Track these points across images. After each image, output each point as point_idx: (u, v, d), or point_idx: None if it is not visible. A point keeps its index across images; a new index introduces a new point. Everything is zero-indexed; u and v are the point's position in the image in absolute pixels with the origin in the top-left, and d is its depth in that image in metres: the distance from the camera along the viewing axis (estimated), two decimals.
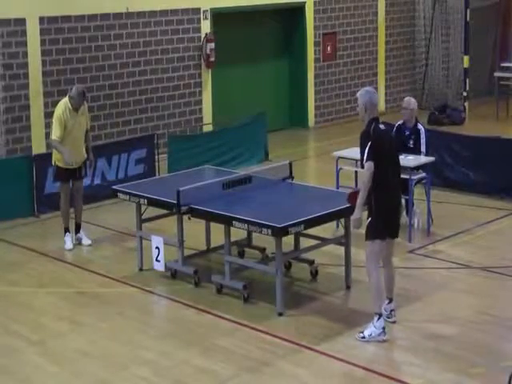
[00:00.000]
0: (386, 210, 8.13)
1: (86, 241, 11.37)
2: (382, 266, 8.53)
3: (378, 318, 8.12)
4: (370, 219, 8.18)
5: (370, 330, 8.14)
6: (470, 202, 12.82)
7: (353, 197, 8.39)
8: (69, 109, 10.89)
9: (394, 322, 8.54)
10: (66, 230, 11.33)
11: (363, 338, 8.14)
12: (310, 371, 7.71)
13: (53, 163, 11.27)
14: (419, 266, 10.36)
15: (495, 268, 10.17)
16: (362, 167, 8.12)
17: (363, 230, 8.31)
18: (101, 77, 15.35)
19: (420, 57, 21.25)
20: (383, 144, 8.13)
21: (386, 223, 8.18)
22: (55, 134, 10.87)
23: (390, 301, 8.58)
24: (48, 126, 14.61)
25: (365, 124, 8.20)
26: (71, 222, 11.43)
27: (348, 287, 9.60)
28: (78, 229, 11.45)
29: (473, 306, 9.12)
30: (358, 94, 8.31)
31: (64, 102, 10.95)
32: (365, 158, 7.99)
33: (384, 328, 8.12)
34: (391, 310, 8.57)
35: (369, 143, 7.99)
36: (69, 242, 11.26)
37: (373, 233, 8.15)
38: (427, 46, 21.01)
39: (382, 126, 8.23)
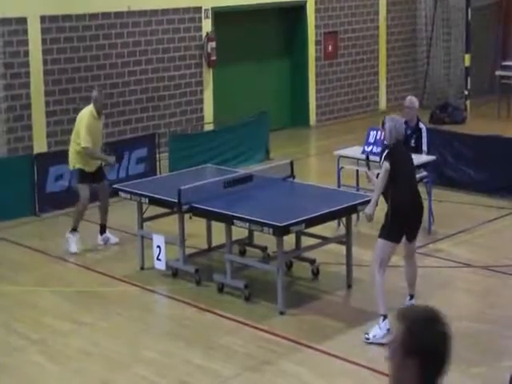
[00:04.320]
0: (401, 216, 8.22)
1: (113, 239, 11.24)
2: (404, 264, 8.64)
3: (383, 319, 8.12)
4: (384, 221, 8.31)
5: (375, 331, 8.13)
6: (471, 200, 12.81)
7: None
8: (93, 116, 10.92)
9: None
10: (75, 230, 11.01)
11: (367, 339, 8.12)
12: (311, 370, 7.72)
13: (72, 167, 11.07)
14: (420, 264, 10.30)
15: (496, 267, 10.17)
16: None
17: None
18: (102, 76, 15.34)
19: (421, 56, 21.22)
20: (399, 153, 8.44)
21: (400, 228, 8.27)
22: (87, 141, 10.76)
23: (411, 297, 8.62)
24: (49, 125, 14.65)
25: (388, 144, 8.57)
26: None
27: (349, 286, 9.60)
28: (103, 229, 11.27)
29: (474, 305, 9.12)
30: (385, 120, 8.64)
31: (89, 111, 10.94)
32: (382, 160, 8.33)
33: (389, 330, 8.05)
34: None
35: (386, 151, 8.36)
36: (74, 244, 10.96)
37: (386, 233, 8.24)
38: (428, 45, 20.99)
39: (403, 148, 8.72)
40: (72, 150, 11.08)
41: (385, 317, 8.13)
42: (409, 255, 8.61)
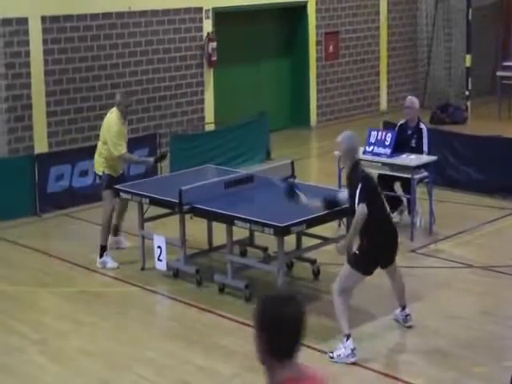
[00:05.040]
0: (372, 248, 7.95)
1: (124, 244, 11.02)
2: (389, 278, 8.45)
3: (347, 339, 7.83)
4: (357, 251, 8.00)
5: (340, 351, 7.84)
6: (472, 201, 12.81)
7: None
8: (120, 120, 10.47)
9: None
10: (105, 248, 10.45)
11: (332, 358, 7.84)
12: None
13: (101, 172, 10.57)
14: (421, 265, 10.36)
15: (497, 267, 10.17)
16: (353, 211, 7.91)
17: None
18: (103, 76, 15.35)
19: (422, 56, 21.23)
20: (372, 184, 8.09)
21: (371, 263, 8.01)
22: (122, 147, 10.37)
23: (403, 308, 8.48)
24: (50, 125, 14.65)
25: (348, 168, 8.09)
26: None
27: None
28: (116, 231, 11.03)
29: (475, 305, 9.12)
30: (338, 140, 8.14)
31: (116, 115, 10.45)
32: (356, 200, 7.81)
33: (353, 350, 7.80)
34: (406, 315, 8.46)
35: (359, 185, 7.83)
36: (111, 260, 10.45)
37: (355, 263, 7.95)
38: (429, 46, 21.00)
39: (366, 170, 8.23)
40: (100, 154, 10.62)
41: (348, 336, 7.83)
42: (390, 275, 8.37)
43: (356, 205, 7.81)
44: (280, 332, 3.40)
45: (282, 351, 3.46)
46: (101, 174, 10.63)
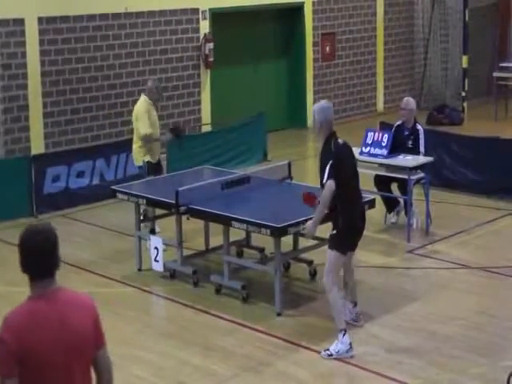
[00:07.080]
0: (350, 224, 7.89)
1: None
2: (343, 273, 8.42)
3: (344, 334, 7.80)
4: (335, 231, 7.89)
5: (337, 346, 7.80)
6: (468, 201, 12.82)
7: (308, 199, 8.29)
8: (150, 104, 11.22)
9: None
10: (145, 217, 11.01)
11: (330, 355, 7.80)
12: (309, 371, 7.71)
13: (141, 162, 11.28)
14: (418, 266, 10.36)
15: (494, 268, 10.17)
16: (322, 186, 7.86)
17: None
18: (99, 77, 15.34)
19: (419, 57, 21.25)
20: (345, 159, 7.95)
21: (350, 237, 7.98)
22: (146, 128, 11.06)
23: (355, 304, 8.46)
24: (46, 126, 14.65)
25: (322, 141, 8.03)
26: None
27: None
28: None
29: (472, 306, 9.12)
30: (313, 110, 8.07)
31: (144, 99, 11.25)
32: (325, 176, 7.73)
33: (351, 344, 7.83)
34: (357, 313, 8.44)
35: (330, 162, 7.76)
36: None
37: (335, 245, 7.87)
38: (426, 46, 21.01)
39: (340, 141, 8.01)
40: (136, 145, 11.35)
41: (345, 331, 7.81)
42: (347, 264, 8.31)
43: (324, 180, 7.72)
44: (27, 256, 4.29)
45: (31, 272, 4.28)
46: (141, 164, 11.27)
